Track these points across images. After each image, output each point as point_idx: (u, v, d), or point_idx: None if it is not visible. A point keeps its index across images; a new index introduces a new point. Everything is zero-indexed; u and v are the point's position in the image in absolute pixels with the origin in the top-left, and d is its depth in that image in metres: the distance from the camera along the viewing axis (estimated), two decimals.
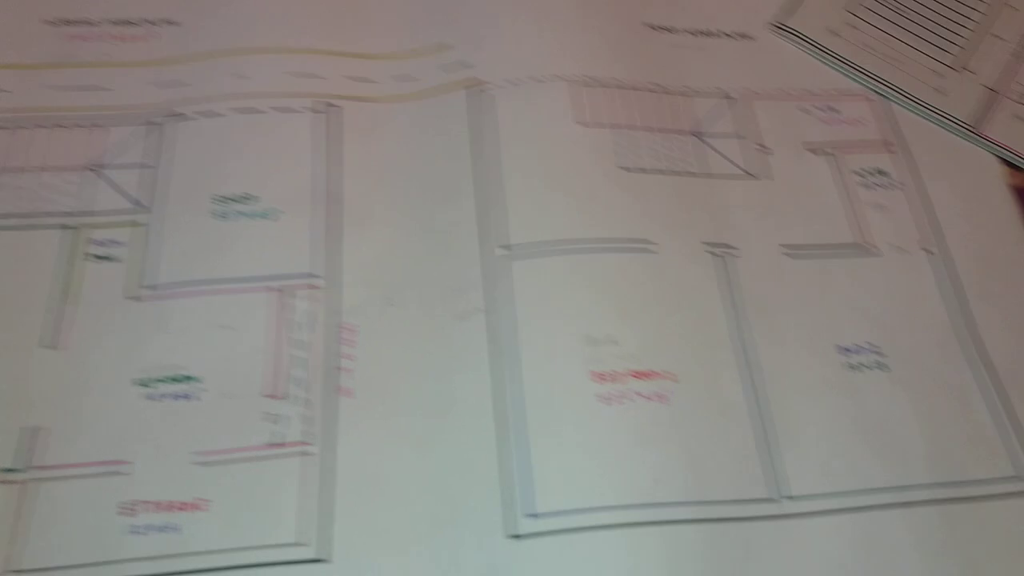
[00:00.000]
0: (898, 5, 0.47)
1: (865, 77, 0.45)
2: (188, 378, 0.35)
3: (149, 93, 0.41)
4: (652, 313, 0.37)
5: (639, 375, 0.35)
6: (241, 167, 0.39)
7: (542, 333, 0.36)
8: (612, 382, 0.35)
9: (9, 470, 0.32)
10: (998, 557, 0.33)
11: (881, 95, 0.44)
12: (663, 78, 0.43)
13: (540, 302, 0.36)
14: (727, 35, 0.46)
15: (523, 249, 0.37)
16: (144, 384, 0.34)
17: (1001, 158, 0.43)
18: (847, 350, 0.37)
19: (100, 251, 0.37)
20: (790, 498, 0.34)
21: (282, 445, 0.34)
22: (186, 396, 0.34)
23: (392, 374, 0.35)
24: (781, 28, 0.46)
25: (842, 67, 0.45)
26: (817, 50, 0.45)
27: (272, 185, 0.39)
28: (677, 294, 0.37)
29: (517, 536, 0.32)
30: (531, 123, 0.41)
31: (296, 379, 0.35)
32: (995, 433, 0.36)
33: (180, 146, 0.40)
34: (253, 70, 0.42)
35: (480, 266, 0.37)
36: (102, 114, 0.40)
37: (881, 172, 0.42)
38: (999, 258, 0.40)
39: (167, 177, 0.39)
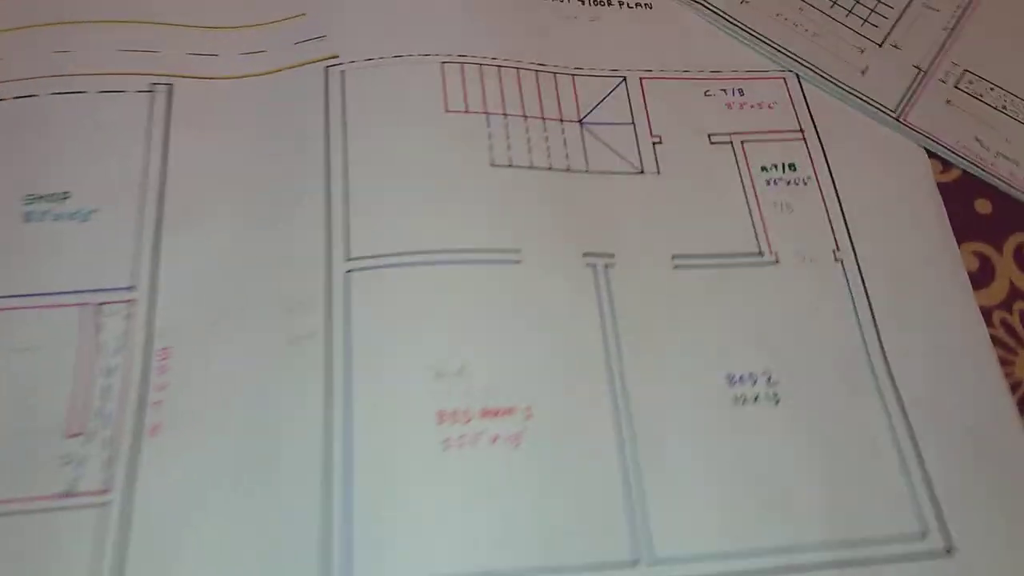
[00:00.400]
0: None
1: (775, 52, 0.39)
2: None
3: None
4: (512, 336, 0.32)
5: (489, 413, 0.31)
6: (57, 159, 0.34)
7: (383, 364, 0.31)
8: (458, 422, 0.30)
9: None
10: None
11: (795, 74, 0.39)
12: (549, 55, 0.38)
13: (384, 326, 0.32)
14: (626, 4, 0.40)
15: (368, 261, 0.33)
16: None
17: (929, 150, 0.38)
18: (737, 379, 0.33)
19: None
20: (655, 563, 0.29)
21: (75, 495, 0.29)
22: None
23: (208, 409, 0.31)
24: None
25: (750, 40, 0.40)
26: (723, 19, 0.40)
27: (90, 181, 0.34)
28: (544, 313, 0.33)
29: None
30: (391, 110, 0.36)
31: (101, 413, 0.31)
32: (902, 482, 0.32)
33: None
34: (78, 44, 0.37)
35: (324, 281, 0.32)
36: None
37: (790, 166, 0.37)
38: (920, 271, 0.36)
39: None
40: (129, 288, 0.32)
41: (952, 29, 0.40)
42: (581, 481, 0.30)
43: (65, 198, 0.34)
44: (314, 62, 0.36)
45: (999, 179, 0.37)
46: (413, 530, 0.29)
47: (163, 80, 0.36)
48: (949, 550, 0.30)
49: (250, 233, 0.33)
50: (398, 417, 0.30)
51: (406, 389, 0.31)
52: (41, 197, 0.34)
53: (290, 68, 0.37)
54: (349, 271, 0.32)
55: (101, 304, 0.32)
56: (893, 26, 0.40)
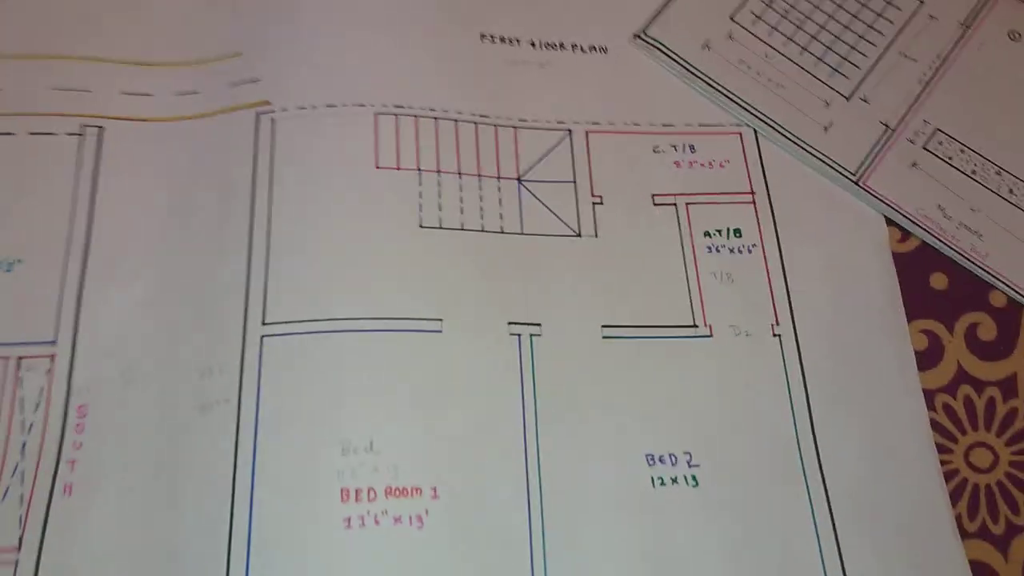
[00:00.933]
0: (794, 12, 0.39)
1: (733, 104, 0.38)
2: None
3: None
4: (425, 411, 0.32)
5: (395, 492, 0.30)
6: None
7: (291, 435, 0.31)
8: (362, 501, 0.30)
9: None
10: None
11: (751, 128, 0.37)
12: (492, 106, 0.37)
13: (295, 395, 0.31)
14: (579, 48, 0.38)
15: (284, 327, 0.32)
16: None
17: (888, 218, 0.37)
18: (656, 460, 0.32)
19: None
20: None
21: None
22: None
23: (120, 471, 0.31)
24: (642, 39, 0.39)
25: (707, 91, 0.38)
26: (680, 67, 0.38)
27: (15, 229, 0.34)
28: (462, 386, 0.32)
29: None
30: (320, 164, 0.35)
31: (17, 470, 0.31)
32: (818, 572, 0.31)
33: None
34: (8, 82, 0.36)
35: (239, 346, 0.32)
36: None
37: (735, 232, 0.36)
38: (864, 349, 0.34)
39: None
40: (51, 343, 0.32)
41: (928, 82, 0.38)
42: (485, 567, 0.30)
43: None
44: (246, 107, 0.36)
45: (959, 252, 0.36)
46: None
47: (94, 122, 0.36)
48: None
49: (172, 291, 0.33)
50: (301, 492, 0.30)
51: (311, 464, 0.30)
52: None
53: (222, 112, 0.36)
54: (264, 336, 0.32)
55: (20, 359, 0.32)
56: (864, 77, 0.38)
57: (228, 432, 0.31)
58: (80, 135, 0.35)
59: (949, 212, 0.36)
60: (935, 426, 0.33)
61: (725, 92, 0.38)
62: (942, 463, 0.33)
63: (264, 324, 0.32)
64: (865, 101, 0.38)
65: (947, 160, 0.37)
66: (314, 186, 0.34)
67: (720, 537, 0.31)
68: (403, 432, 0.31)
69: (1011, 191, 0.36)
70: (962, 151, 0.37)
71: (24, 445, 0.31)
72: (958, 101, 0.38)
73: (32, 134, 0.35)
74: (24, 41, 0.37)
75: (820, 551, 0.31)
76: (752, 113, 0.37)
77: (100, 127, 0.35)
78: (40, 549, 0.30)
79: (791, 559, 0.31)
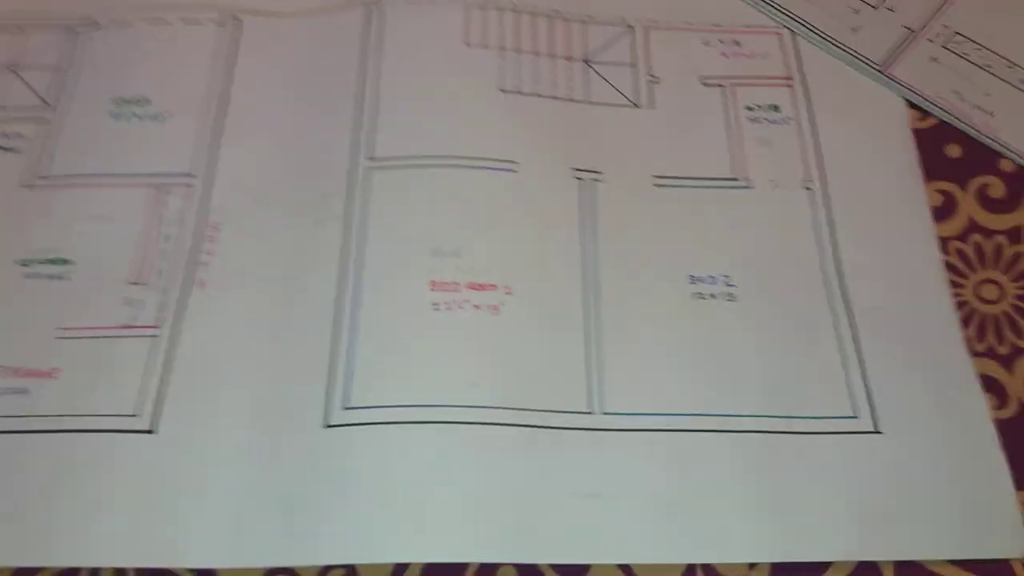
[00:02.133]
0: None
1: (774, 10, 0.44)
2: (63, 261, 0.37)
3: (69, 0, 0.44)
4: (501, 230, 0.37)
5: (475, 287, 0.36)
6: (142, 73, 0.42)
7: (391, 243, 0.37)
8: (448, 291, 0.36)
9: None
10: (811, 485, 0.33)
11: (790, 30, 0.43)
12: (564, 3, 0.44)
13: (395, 213, 0.38)
14: None
15: (387, 162, 0.39)
16: (24, 264, 0.37)
17: (909, 101, 0.42)
18: (699, 279, 0.37)
19: (5, 143, 0.40)
20: (607, 414, 0.34)
21: (133, 327, 0.36)
22: (59, 277, 0.37)
23: (246, 271, 0.37)
24: None
25: None
26: None
27: (167, 91, 0.42)
28: (532, 214, 0.38)
29: (330, 426, 0.34)
30: (418, 42, 0.42)
31: (159, 269, 0.37)
32: (839, 372, 0.35)
33: (91, 52, 0.42)
34: None
35: (345, 176, 0.39)
36: (24, 21, 0.43)
37: (774, 107, 0.41)
38: (883, 202, 0.39)
39: (75, 79, 0.42)
40: (189, 175, 0.39)
41: None
42: (549, 345, 0.35)
43: (143, 102, 0.41)
44: (356, 1, 0.43)
45: (972, 127, 0.41)
46: (404, 371, 0.35)
47: (233, 14, 0.43)
48: (877, 432, 0.34)
49: (290, 137, 0.40)
50: (399, 282, 0.36)
51: (407, 260, 0.37)
52: (125, 100, 0.41)
53: (337, 8, 0.43)
54: (370, 169, 0.39)
55: (163, 185, 0.39)
56: None
57: (337, 239, 0.37)
58: (222, 25, 0.43)
59: (965, 96, 0.41)
60: (948, 267, 0.38)
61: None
62: (954, 296, 0.37)
63: (369, 159, 0.39)
64: (891, 10, 0.44)
65: (963, 56, 0.42)
66: (415, 59, 0.41)
67: (753, 337, 0.36)
68: (483, 243, 0.37)
69: (1022, 81, 0.41)
70: (978, 49, 0.42)
71: (166, 251, 0.38)
72: (979, 8, 0.43)
73: (181, 20, 0.43)
74: None
75: (843, 354, 0.35)
76: (789, 16, 0.43)
77: (239, 20, 0.43)
78: (176, 328, 0.36)
79: (816, 359, 0.35)
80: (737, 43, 0.43)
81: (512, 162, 0.39)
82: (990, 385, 0.35)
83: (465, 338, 0.35)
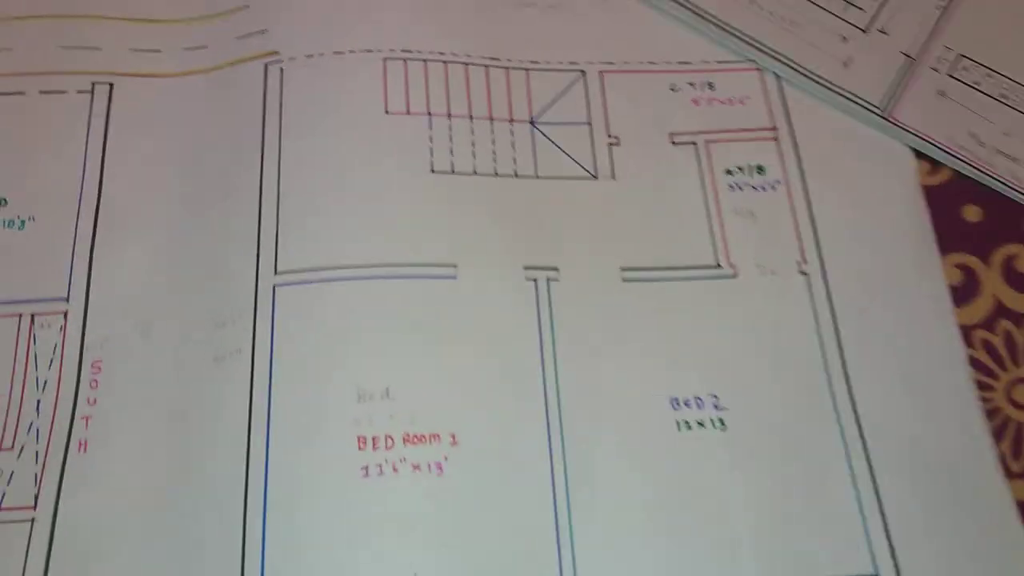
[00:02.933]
0: None
1: (747, 47, 0.36)
2: None
3: None
4: (442, 358, 0.31)
5: (413, 439, 0.29)
6: None
7: (305, 384, 0.30)
8: (379, 449, 0.29)
9: None
10: None
11: (775, 73, 0.36)
12: (501, 48, 0.36)
13: (308, 343, 0.31)
14: None
15: (294, 275, 0.31)
16: None
17: (916, 150, 0.35)
18: (682, 403, 0.31)
19: None
20: None
21: (3, 509, 0.29)
22: None
23: (134, 427, 0.30)
24: None
25: (719, 35, 0.36)
26: (688, 11, 0.37)
27: (26, 187, 0.33)
28: (478, 332, 0.31)
29: None
30: (329, 112, 0.34)
31: (32, 428, 0.30)
32: (856, 521, 0.29)
33: None
34: (18, 42, 0.36)
35: (248, 295, 0.31)
36: None
37: (758, 168, 0.35)
38: (895, 285, 0.33)
39: None
40: (63, 299, 0.32)
41: (946, 7, 0.37)
42: (507, 514, 0.29)
43: (1, 205, 0.33)
44: (254, 58, 0.35)
45: (996, 178, 0.34)
46: (326, 557, 0.28)
47: (104, 79, 0.35)
48: None
49: (184, 245, 0.33)
50: (317, 441, 0.29)
51: (326, 412, 0.30)
52: None
53: (230, 65, 0.35)
54: (276, 285, 0.31)
55: (34, 315, 0.32)
56: (880, 7, 0.37)
57: (243, 382, 0.30)
58: (90, 93, 0.35)
59: (982, 138, 0.35)
60: (974, 363, 0.32)
61: (738, 35, 0.36)
62: (983, 401, 0.31)
63: (276, 274, 0.31)
64: (884, 32, 0.36)
65: (974, 85, 0.36)
66: (323, 134, 0.33)
67: (749, 482, 0.30)
68: (419, 379, 0.30)
69: None
70: (989, 75, 0.36)
71: (39, 403, 0.31)
72: (979, 24, 0.36)
73: (43, 93, 0.35)
74: (32, 2, 0.36)
75: (858, 496, 0.30)
76: (768, 54, 0.36)
77: (110, 84, 0.35)
78: (56, 507, 0.29)
79: (826, 504, 0.30)
80: (710, 85, 0.36)
81: (451, 266, 0.32)
82: None
83: (403, 514, 0.29)
